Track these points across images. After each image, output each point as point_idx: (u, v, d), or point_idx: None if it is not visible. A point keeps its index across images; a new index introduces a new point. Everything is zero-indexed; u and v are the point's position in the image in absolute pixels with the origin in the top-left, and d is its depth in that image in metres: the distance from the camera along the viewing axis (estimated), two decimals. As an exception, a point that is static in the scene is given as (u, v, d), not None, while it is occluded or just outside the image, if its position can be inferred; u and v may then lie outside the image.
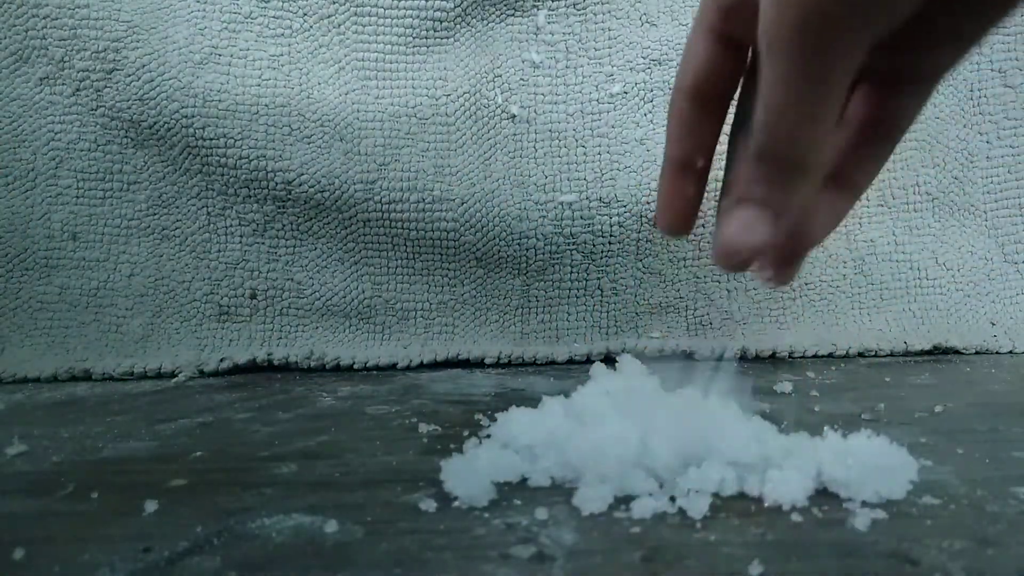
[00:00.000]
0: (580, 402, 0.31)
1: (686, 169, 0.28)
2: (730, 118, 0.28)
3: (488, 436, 0.31)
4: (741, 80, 0.27)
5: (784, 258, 0.27)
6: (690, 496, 0.25)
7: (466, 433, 0.34)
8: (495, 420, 0.33)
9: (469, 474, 0.26)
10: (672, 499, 0.25)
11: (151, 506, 0.26)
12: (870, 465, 0.25)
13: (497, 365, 0.53)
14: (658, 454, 0.26)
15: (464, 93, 0.55)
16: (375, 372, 0.52)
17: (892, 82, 0.25)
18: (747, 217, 0.23)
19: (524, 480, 0.27)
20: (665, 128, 0.28)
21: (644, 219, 0.54)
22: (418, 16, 0.55)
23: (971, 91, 0.58)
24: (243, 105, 0.53)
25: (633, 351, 0.54)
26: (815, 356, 0.53)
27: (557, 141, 0.55)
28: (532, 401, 0.33)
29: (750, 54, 0.27)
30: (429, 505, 0.25)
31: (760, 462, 0.26)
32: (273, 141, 0.53)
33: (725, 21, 0.25)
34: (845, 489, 0.25)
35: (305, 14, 0.55)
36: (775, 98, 0.22)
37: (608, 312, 0.56)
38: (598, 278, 0.55)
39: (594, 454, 0.26)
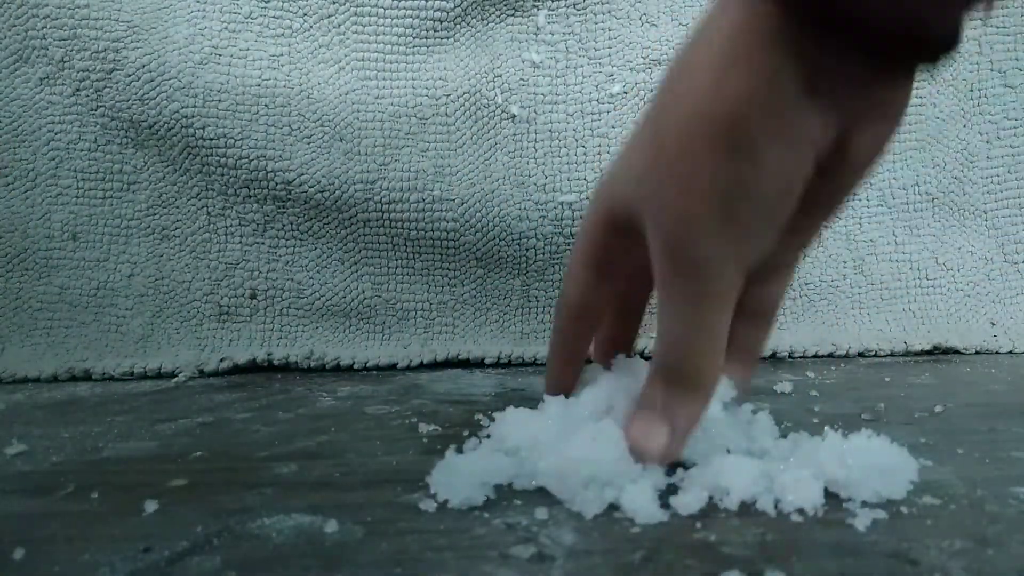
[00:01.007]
0: (577, 403, 0.31)
1: (569, 363, 0.33)
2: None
3: (488, 436, 0.31)
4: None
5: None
6: (688, 494, 0.25)
7: (466, 433, 0.34)
8: (493, 420, 0.32)
9: (456, 477, 0.26)
10: (666, 505, 0.25)
11: (151, 506, 0.26)
12: (870, 465, 0.25)
13: (497, 365, 0.53)
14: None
15: (464, 93, 0.55)
16: (375, 372, 0.52)
17: (758, 279, 0.29)
18: (648, 422, 0.27)
19: (511, 484, 0.27)
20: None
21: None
22: (418, 16, 0.55)
23: (971, 91, 0.58)
24: (243, 105, 0.53)
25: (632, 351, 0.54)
26: (815, 356, 0.53)
27: (557, 141, 0.55)
28: (532, 402, 0.32)
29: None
30: (429, 505, 0.25)
31: (762, 475, 0.26)
32: (273, 141, 0.53)
33: (602, 256, 0.30)
34: (845, 489, 0.25)
35: (305, 14, 0.55)
36: (674, 328, 0.26)
37: (608, 312, 0.56)
38: (598, 278, 0.55)
39: (585, 457, 0.26)
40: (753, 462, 0.26)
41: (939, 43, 0.21)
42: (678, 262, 0.25)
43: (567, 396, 0.32)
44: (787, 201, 0.24)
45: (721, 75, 0.23)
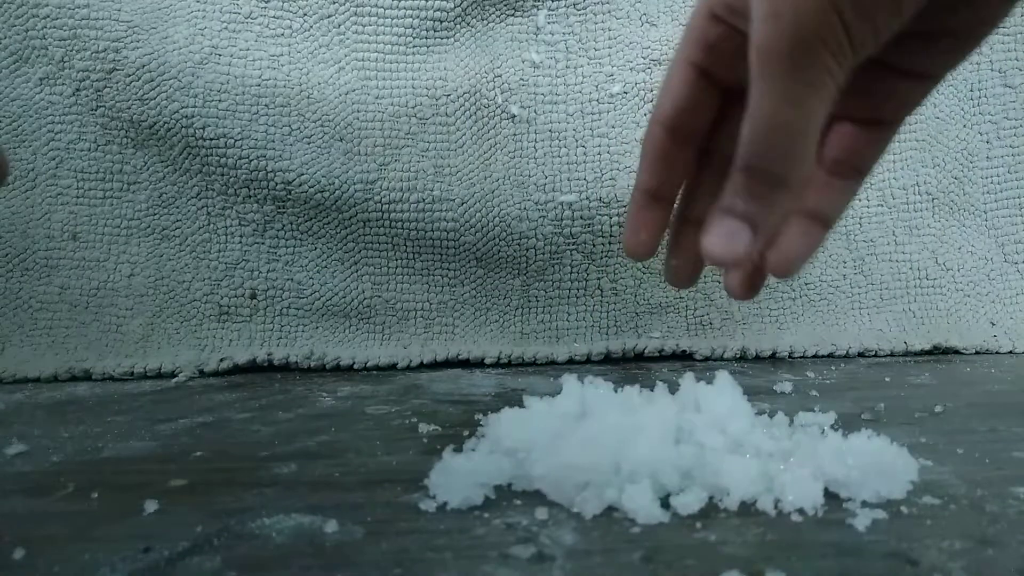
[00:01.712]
0: (564, 404, 0.30)
1: (657, 199, 0.29)
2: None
3: (483, 436, 0.31)
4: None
5: (754, 275, 0.28)
6: (688, 495, 0.25)
7: (466, 433, 0.34)
8: (486, 422, 0.32)
9: (454, 478, 0.26)
10: (666, 505, 0.25)
11: (151, 506, 0.26)
12: (870, 465, 0.25)
13: (497, 365, 0.53)
14: (649, 458, 0.26)
15: (464, 93, 0.55)
16: (375, 372, 0.52)
17: (862, 122, 0.27)
18: (729, 227, 0.24)
19: (510, 484, 0.27)
20: (639, 155, 0.29)
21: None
22: (418, 16, 0.55)
23: (971, 91, 0.58)
24: (243, 105, 0.53)
25: (633, 351, 0.54)
26: (815, 356, 0.53)
27: (557, 141, 0.55)
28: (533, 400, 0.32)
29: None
30: (429, 505, 0.25)
31: (761, 475, 0.26)
32: (273, 141, 0.53)
33: (706, 57, 0.26)
34: (845, 489, 0.25)
35: (305, 14, 0.55)
36: (764, 111, 0.23)
37: (608, 312, 0.56)
38: (598, 278, 0.55)
39: (581, 458, 0.26)
40: (753, 462, 0.26)
41: None
42: (782, 31, 0.21)
43: (643, 260, 0.30)
44: None
45: None
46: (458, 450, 0.29)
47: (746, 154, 0.24)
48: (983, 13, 0.24)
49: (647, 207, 0.29)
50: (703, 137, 0.29)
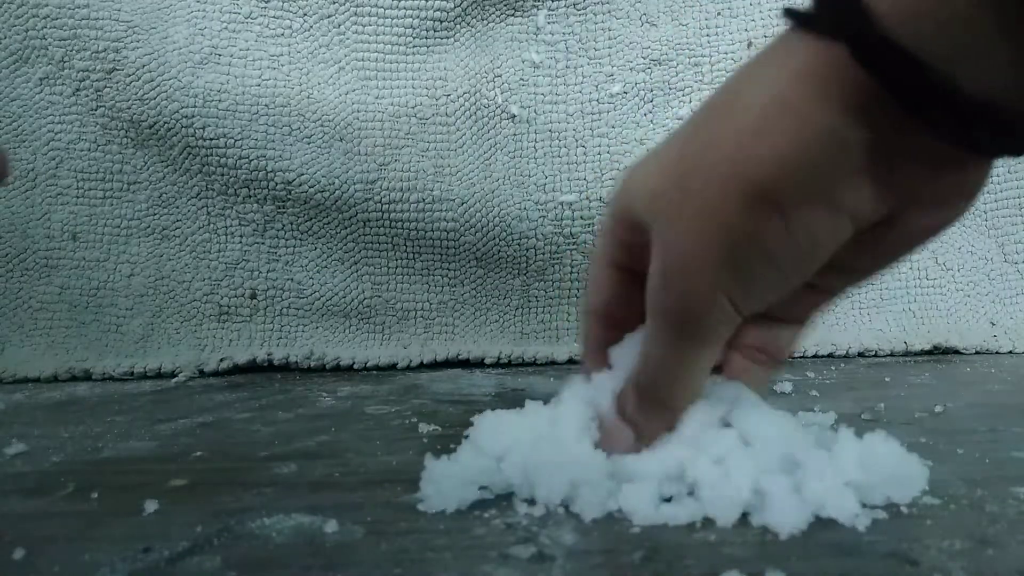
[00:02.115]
0: (557, 409, 0.29)
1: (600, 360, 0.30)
2: None
3: (467, 437, 0.30)
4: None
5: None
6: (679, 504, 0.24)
7: (466, 434, 0.33)
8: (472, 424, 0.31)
9: (444, 483, 0.25)
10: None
11: (151, 506, 0.26)
12: (883, 470, 0.24)
13: (497, 365, 0.53)
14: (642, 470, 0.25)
15: (464, 93, 0.55)
16: (375, 372, 0.52)
17: (772, 320, 0.28)
18: (618, 429, 0.27)
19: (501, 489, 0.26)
20: (590, 269, 0.30)
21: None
22: (418, 16, 0.55)
23: (971, 91, 0.58)
24: (243, 105, 0.53)
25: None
26: (815, 356, 0.53)
27: (557, 141, 0.55)
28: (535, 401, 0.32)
29: None
30: (429, 505, 0.25)
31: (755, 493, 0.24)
32: (273, 141, 0.53)
33: (625, 256, 0.28)
34: (857, 493, 0.24)
35: (305, 14, 0.55)
36: (653, 351, 0.25)
37: (608, 312, 0.56)
38: (598, 278, 0.55)
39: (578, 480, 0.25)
40: (748, 476, 0.24)
41: None
42: (671, 291, 0.23)
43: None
44: (808, 265, 0.23)
45: (768, 123, 0.21)
46: (440, 454, 0.28)
47: (637, 375, 0.26)
48: (876, 261, 0.25)
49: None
50: (639, 321, 0.30)
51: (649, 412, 0.26)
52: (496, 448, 0.27)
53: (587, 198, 0.54)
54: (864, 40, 0.18)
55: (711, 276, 0.22)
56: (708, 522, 0.24)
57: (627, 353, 0.29)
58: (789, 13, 0.21)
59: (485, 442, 0.28)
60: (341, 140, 0.54)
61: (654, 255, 0.24)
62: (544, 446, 0.26)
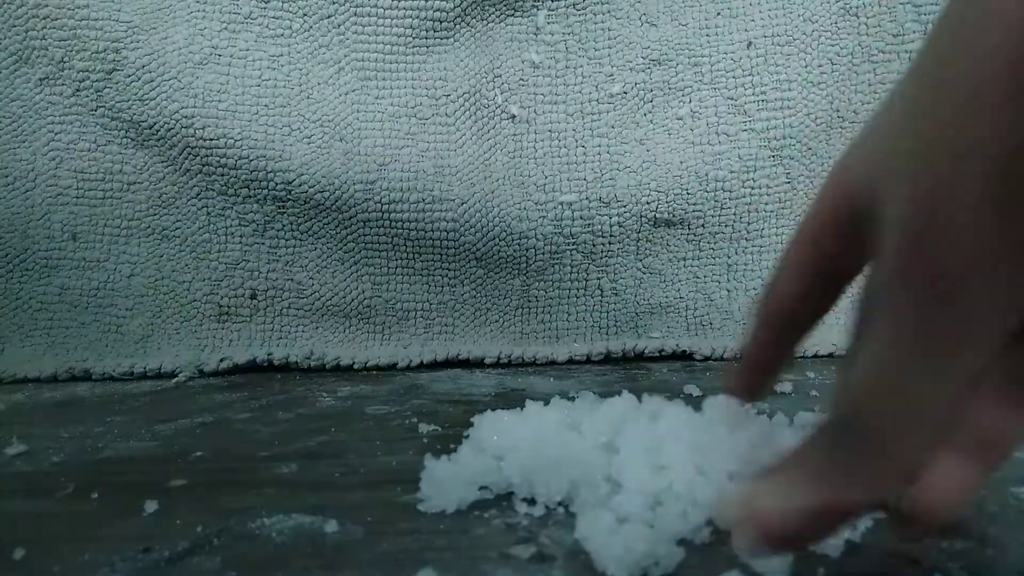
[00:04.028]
0: (558, 411, 0.29)
1: (766, 373, 0.26)
2: None
3: (467, 437, 0.30)
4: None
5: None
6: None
7: (466, 433, 0.34)
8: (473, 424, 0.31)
9: (444, 484, 0.25)
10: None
11: (151, 506, 0.26)
12: None
13: (497, 365, 0.53)
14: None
15: (464, 93, 0.55)
16: (375, 372, 0.52)
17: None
18: (778, 483, 0.18)
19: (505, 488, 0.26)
20: (745, 324, 0.26)
21: (644, 219, 0.54)
22: (418, 16, 0.55)
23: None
24: (243, 105, 0.53)
25: (633, 351, 0.54)
26: (815, 356, 0.53)
27: (557, 141, 0.55)
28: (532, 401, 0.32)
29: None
30: (429, 505, 0.25)
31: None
32: (273, 141, 0.53)
33: (827, 257, 0.23)
34: None
35: (305, 14, 0.55)
36: (879, 366, 0.18)
37: (608, 312, 0.56)
38: (598, 278, 0.55)
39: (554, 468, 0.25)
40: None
41: None
42: (926, 267, 0.16)
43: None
44: None
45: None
46: (440, 454, 0.28)
47: (843, 405, 0.19)
48: None
49: (753, 373, 0.25)
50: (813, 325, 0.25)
51: (854, 462, 0.18)
52: (496, 448, 0.27)
53: (587, 198, 0.54)
54: None
55: (989, 221, 0.16)
56: (708, 522, 0.24)
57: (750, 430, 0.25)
58: None
59: (485, 442, 0.28)
60: (341, 140, 0.54)
61: (890, 231, 0.18)
62: (546, 446, 0.26)
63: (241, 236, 0.56)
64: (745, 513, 0.18)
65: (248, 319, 0.56)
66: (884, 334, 0.18)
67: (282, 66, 0.54)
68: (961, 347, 0.17)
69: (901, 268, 0.17)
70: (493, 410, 0.31)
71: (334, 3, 0.55)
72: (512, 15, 0.56)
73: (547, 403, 0.30)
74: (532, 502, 0.25)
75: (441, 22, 0.55)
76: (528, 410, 0.30)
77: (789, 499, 0.18)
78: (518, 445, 0.27)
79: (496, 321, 0.56)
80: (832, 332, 0.56)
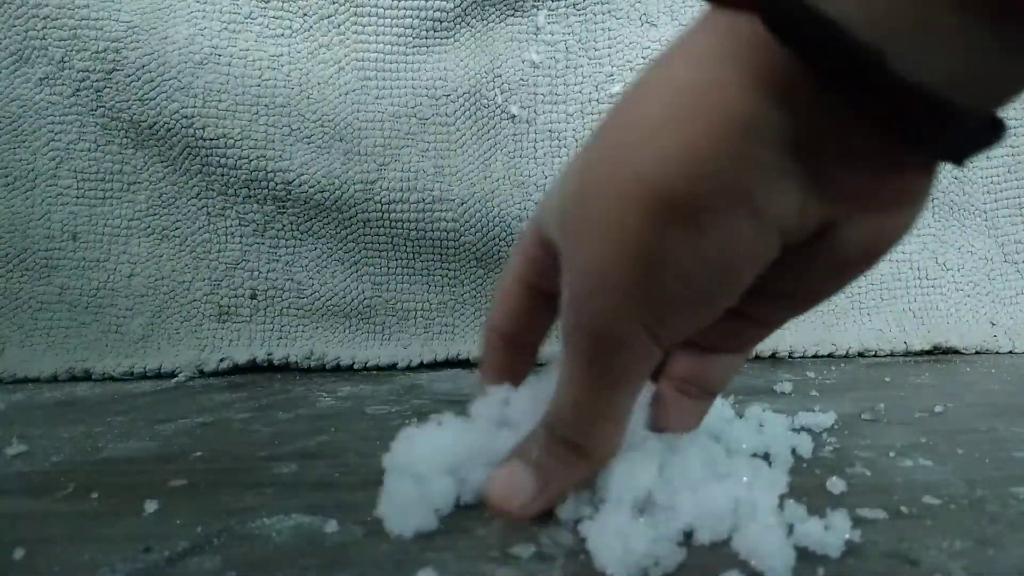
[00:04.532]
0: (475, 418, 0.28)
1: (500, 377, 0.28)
2: None
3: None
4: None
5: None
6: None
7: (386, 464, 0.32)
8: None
9: (405, 507, 0.24)
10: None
11: (151, 506, 0.26)
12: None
13: (497, 365, 0.53)
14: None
15: (464, 93, 0.55)
16: (375, 372, 0.52)
17: (705, 349, 0.25)
18: (513, 473, 0.23)
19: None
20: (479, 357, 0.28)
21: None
22: (418, 16, 0.55)
23: (971, 91, 0.58)
24: (243, 105, 0.53)
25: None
26: (815, 356, 0.53)
27: (557, 141, 0.55)
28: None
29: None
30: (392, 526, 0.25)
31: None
32: (273, 141, 0.53)
33: (538, 276, 0.25)
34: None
35: (305, 14, 0.55)
36: (568, 390, 0.22)
37: (608, 312, 0.56)
38: (598, 278, 0.55)
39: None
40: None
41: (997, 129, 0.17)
42: (580, 322, 0.20)
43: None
44: (731, 286, 0.20)
45: (675, 113, 0.18)
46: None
47: (551, 417, 0.23)
48: (811, 285, 0.22)
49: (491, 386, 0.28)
50: (539, 344, 0.28)
51: (563, 459, 0.23)
52: (423, 468, 0.25)
53: (587, 198, 0.54)
54: (779, 6, 0.16)
55: (620, 303, 0.19)
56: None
57: (542, 387, 0.26)
58: None
59: (407, 464, 0.25)
60: (341, 140, 0.54)
61: (563, 282, 0.21)
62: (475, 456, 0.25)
63: (241, 236, 0.56)
64: (494, 498, 0.23)
65: (248, 319, 0.56)
66: (564, 367, 0.22)
67: (282, 66, 0.54)
68: (619, 383, 0.21)
69: (568, 322, 0.21)
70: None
71: (334, 3, 0.55)
72: (512, 15, 0.56)
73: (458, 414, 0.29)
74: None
75: (441, 22, 0.55)
76: (447, 424, 0.28)
77: (520, 492, 0.23)
78: (446, 460, 0.25)
79: (496, 321, 0.56)
80: (832, 332, 0.56)
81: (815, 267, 0.20)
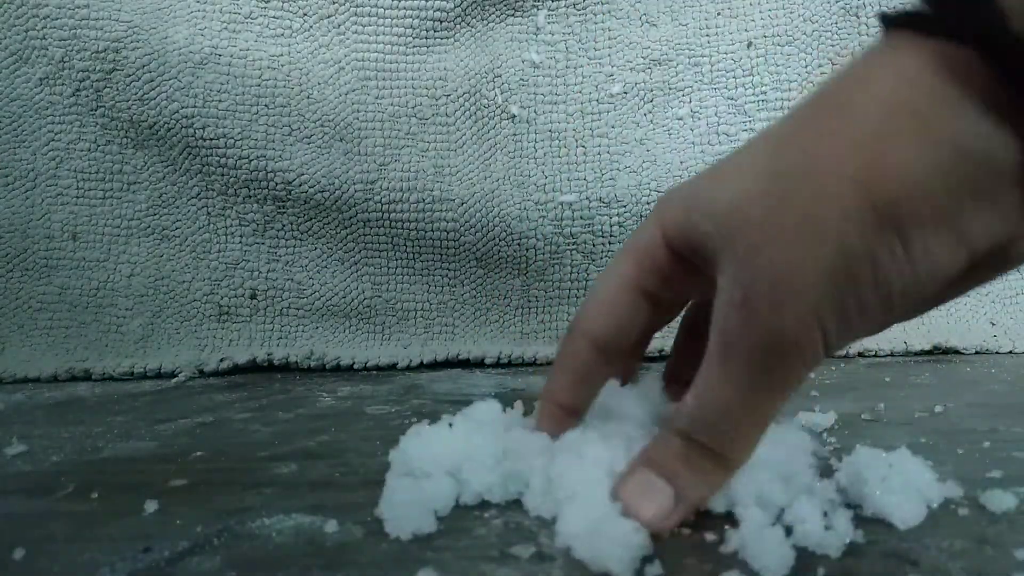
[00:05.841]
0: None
1: (567, 411, 0.27)
2: None
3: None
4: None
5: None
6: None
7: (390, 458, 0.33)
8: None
9: (406, 508, 0.24)
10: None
11: (151, 506, 0.26)
12: (904, 490, 0.23)
13: (497, 365, 0.53)
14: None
15: (464, 93, 0.55)
16: (375, 372, 0.52)
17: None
18: (647, 482, 0.23)
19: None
20: (555, 361, 0.27)
21: (644, 219, 0.54)
22: (418, 16, 0.55)
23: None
24: (243, 105, 0.53)
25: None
26: (815, 356, 0.53)
27: (557, 141, 0.55)
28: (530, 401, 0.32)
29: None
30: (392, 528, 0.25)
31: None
32: (273, 141, 0.53)
33: (657, 282, 0.25)
34: (872, 509, 0.23)
35: (305, 14, 0.55)
36: (719, 398, 0.22)
37: (608, 312, 0.56)
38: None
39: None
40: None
41: None
42: (757, 328, 0.20)
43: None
44: (918, 298, 0.20)
45: (895, 130, 0.19)
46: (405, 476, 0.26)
47: (690, 425, 0.22)
48: (945, 297, 0.22)
49: (555, 419, 0.26)
50: (634, 356, 0.27)
51: (704, 466, 0.22)
52: (427, 467, 0.25)
53: (587, 198, 0.54)
54: (996, 40, 0.17)
55: (812, 307, 0.19)
56: (709, 522, 0.24)
57: (629, 398, 0.26)
58: (887, 18, 0.20)
59: (410, 462, 0.26)
60: (341, 140, 0.54)
61: (727, 285, 0.21)
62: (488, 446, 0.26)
63: (241, 236, 0.56)
64: (636, 508, 0.22)
65: (248, 319, 0.56)
66: (715, 371, 0.21)
67: (282, 66, 0.54)
68: (782, 389, 0.21)
69: (734, 327, 0.21)
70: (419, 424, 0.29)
71: (334, 3, 0.55)
72: (512, 15, 0.56)
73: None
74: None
75: (441, 22, 0.55)
76: (451, 424, 0.28)
77: (656, 501, 0.22)
78: (455, 460, 0.25)
79: (496, 321, 0.56)
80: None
81: (966, 278, 0.21)
